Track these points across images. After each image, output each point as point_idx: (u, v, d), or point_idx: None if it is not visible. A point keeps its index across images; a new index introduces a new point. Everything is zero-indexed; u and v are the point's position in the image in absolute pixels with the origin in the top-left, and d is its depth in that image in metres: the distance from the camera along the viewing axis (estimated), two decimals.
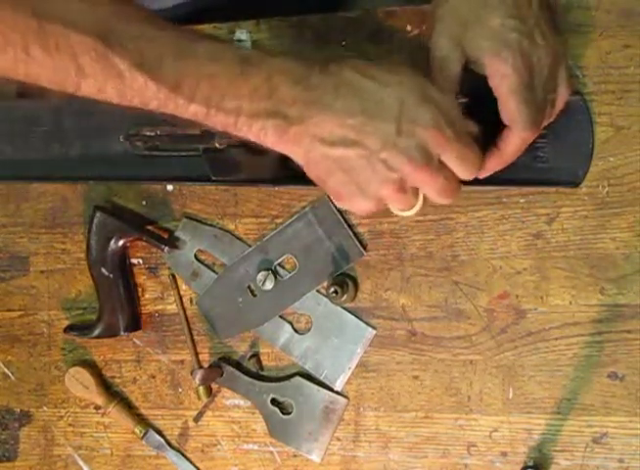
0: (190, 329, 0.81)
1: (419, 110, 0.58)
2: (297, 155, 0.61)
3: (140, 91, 0.58)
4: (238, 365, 0.81)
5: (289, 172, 0.75)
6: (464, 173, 0.61)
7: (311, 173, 0.62)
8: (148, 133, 0.78)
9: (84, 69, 0.58)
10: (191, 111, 0.59)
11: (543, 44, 0.63)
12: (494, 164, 0.66)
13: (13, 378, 0.87)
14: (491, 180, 0.72)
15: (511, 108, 0.63)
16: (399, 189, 0.60)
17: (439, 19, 0.65)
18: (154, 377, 0.83)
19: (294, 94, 0.58)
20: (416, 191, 0.62)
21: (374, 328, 0.77)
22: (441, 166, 0.60)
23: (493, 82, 0.63)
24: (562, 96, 0.66)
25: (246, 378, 0.80)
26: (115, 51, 0.57)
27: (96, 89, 0.59)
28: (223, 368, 0.80)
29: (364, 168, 0.59)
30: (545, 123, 0.66)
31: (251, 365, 0.80)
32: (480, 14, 0.63)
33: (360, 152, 0.58)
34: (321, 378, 0.79)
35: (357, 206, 0.62)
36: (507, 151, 0.65)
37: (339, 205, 0.63)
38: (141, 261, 0.83)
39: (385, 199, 0.61)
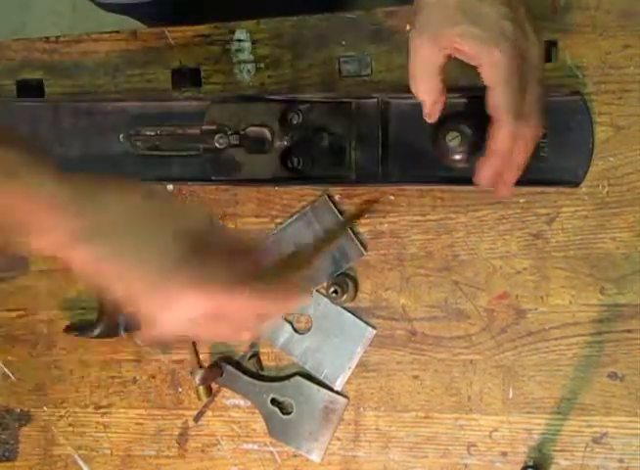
0: None
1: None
2: None
3: None
4: (238, 365, 0.81)
5: (289, 172, 0.75)
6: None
7: None
8: (148, 133, 0.78)
9: None
10: None
11: (532, 33, 0.61)
12: (490, 166, 0.64)
13: (13, 378, 0.87)
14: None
15: (498, 99, 0.61)
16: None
17: (421, 10, 0.62)
18: (154, 377, 0.83)
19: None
20: None
21: (374, 328, 0.77)
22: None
23: (484, 71, 0.61)
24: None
25: (246, 378, 0.80)
26: None
27: None
28: (223, 368, 0.80)
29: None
30: (541, 118, 0.64)
31: (251, 365, 0.80)
32: (470, 2, 0.60)
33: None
34: (321, 378, 0.79)
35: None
36: (497, 148, 0.62)
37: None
38: None
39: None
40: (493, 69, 0.60)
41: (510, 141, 0.62)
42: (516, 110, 0.61)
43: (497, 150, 0.63)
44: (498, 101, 0.61)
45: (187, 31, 0.81)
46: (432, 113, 0.66)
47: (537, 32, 0.62)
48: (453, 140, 0.68)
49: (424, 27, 0.62)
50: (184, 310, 0.54)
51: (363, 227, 0.77)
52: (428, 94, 0.64)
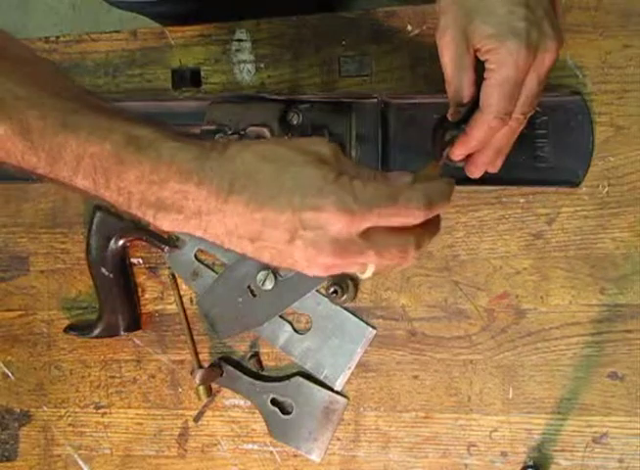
0: (190, 329, 0.81)
1: (321, 194, 0.50)
2: (209, 238, 0.55)
3: (23, 158, 0.54)
4: (238, 365, 0.81)
5: None
6: (400, 222, 0.52)
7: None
8: None
9: None
10: (79, 185, 0.54)
11: (550, 38, 0.60)
12: (460, 149, 0.63)
13: (13, 378, 0.87)
14: (491, 180, 0.72)
15: (492, 96, 0.60)
16: (332, 266, 0.52)
17: (444, 11, 0.62)
18: (154, 377, 0.83)
19: (185, 190, 0.52)
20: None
21: (374, 328, 0.77)
22: (365, 240, 0.51)
23: (489, 67, 0.60)
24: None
25: (246, 378, 0.80)
26: None
27: None
28: (223, 368, 0.80)
29: (284, 258, 0.53)
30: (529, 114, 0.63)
31: (252, 365, 0.80)
32: (485, 1, 0.60)
33: (270, 248, 0.52)
34: (321, 378, 0.79)
35: (309, 273, 0.54)
36: (473, 135, 0.62)
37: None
38: (141, 261, 0.83)
39: (326, 273, 0.53)
40: (499, 68, 0.60)
41: (488, 135, 0.62)
42: (505, 109, 0.60)
43: (473, 136, 0.62)
44: (490, 96, 0.60)
45: (187, 31, 0.81)
46: (455, 112, 0.64)
47: (555, 39, 0.60)
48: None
49: (445, 27, 0.62)
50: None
51: None
52: (465, 90, 0.63)
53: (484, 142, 0.63)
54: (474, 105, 0.62)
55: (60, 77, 0.58)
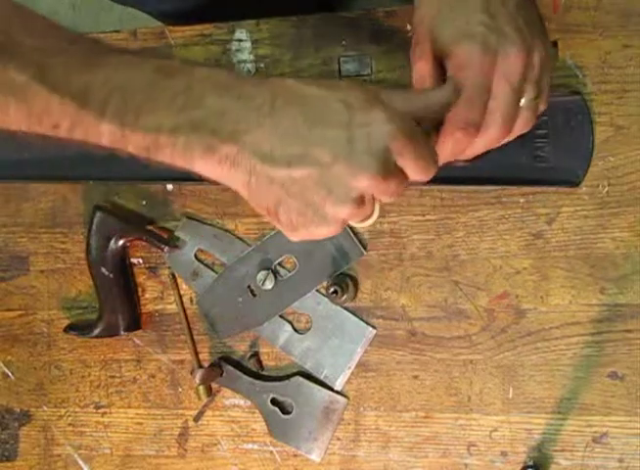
0: (190, 329, 0.81)
1: (370, 113, 0.51)
2: (235, 181, 0.52)
3: (46, 108, 0.51)
4: (238, 365, 0.81)
5: None
6: (421, 175, 0.54)
7: (258, 205, 0.53)
8: None
9: None
10: (105, 131, 0.51)
11: (514, 40, 0.56)
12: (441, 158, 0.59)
13: (13, 378, 0.87)
14: (491, 180, 0.72)
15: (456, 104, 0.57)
16: (358, 204, 0.52)
17: (414, 28, 0.61)
18: (154, 377, 0.83)
19: (222, 104, 0.50)
20: (373, 199, 0.54)
21: (374, 328, 0.77)
22: (397, 171, 0.53)
23: (447, 75, 0.58)
24: (540, 102, 0.60)
25: (246, 378, 0.80)
26: (13, 62, 0.50)
27: None
28: (223, 368, 0.80)
29: (318, 189, 0.50)
30: (517, 131, 0.60)
31: (251, 365, 0.80)
32: (447, 13, 0.58)
33: (309, 170, 0.50)
34: (321, 378, 0.79)
35: (317, 233, 0.53)
36: (440, 148, 0.58)
37: (294, 237, 0.55)
38: (141, 261, 0.83)
39: (347, 219, 0.53)
40: (457, 72, 0.58)
41: (456, 147, 0.58)
42: (466, 118, 0.57)
43: (441, 149, 0.58)
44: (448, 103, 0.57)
45: (187, 31, 0.81)
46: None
47: (517, 43, 0.57)
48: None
49: (415, 44, 0.61)
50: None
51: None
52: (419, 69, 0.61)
53: (454, 155, 0.59)
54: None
55: (72, 32, 0.55)
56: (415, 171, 0.53)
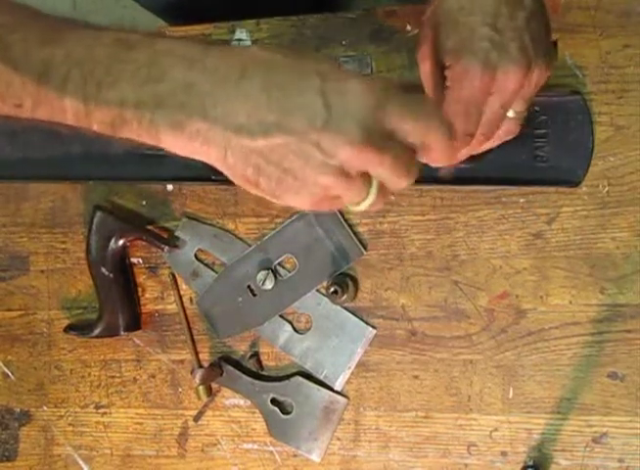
0: (190, 329, 0.81)
1: (346, 82, 0.48)
2: (209, 157, 0.50)
3: (7, 88, 0.49)
4: (238, 365, 0.81)
5: None
6: (416, 137, 0.50)
7: (238, 178, 0.50)
8: None
9: None
10: (68, 107, 0.49)
11: (516, 59, 0.56)
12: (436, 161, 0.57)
13: (13, 378, 0.87)
14: (491, 180, 0.72)
15: (447, 117, 0.55)
16: (342, 174, 0.49)
17: (423, 23, 0.61)
18: (154, 377, 0.83)
19: (187, 77, 0.47)
20: (367, 177, 0.51)
21: (374, 328, 0.77)
22: (387, 139, 0.49)
23: (447, 84, 0.58)
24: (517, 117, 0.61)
25: (246, 378, 0.80)
26: None
27: None
28: (223, 368, 0.80)
29: (295, 157, 0.48)
30: (498, 139, 0.61)
31: (251, 365, 0.80)
32: (454, 18, 0.58)
33: (286, 137, 0.48)
34: (321, 378, 0.79)
35: (300, 201, 0.51)
36: (431, 149, 0.53)
37: (280, 203, 0.52)
38: (141, 261, 0.83)
39: (329, 189, 0.50)
40: (454, 85, 0.58)
41: (445, 154, 0.56)
42: (461, 128, 0.57)
43: (433, 151, 0.55)
44: (446, 114, 0.57)
45: (187, 31, 0.81)
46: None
47: (518, 63, 0.57)
48: None
49: (421, 41, 0.61)
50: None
51: (363, 227, 0.77)
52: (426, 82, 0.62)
53: (451, 159, 0.57)
54: None
55: (34, 9, 0.53)
56: (415, 134, 0.50)
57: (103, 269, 0.80)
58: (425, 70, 0.61)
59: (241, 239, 0.81)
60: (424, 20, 0.62)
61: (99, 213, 0.80)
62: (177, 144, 0.49)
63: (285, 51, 0.49)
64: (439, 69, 0.60)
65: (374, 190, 0.52)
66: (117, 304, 0.81)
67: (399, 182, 0.51)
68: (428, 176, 0.73)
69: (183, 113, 0.47)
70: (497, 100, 0.57)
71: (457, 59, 0.57)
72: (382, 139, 0.48)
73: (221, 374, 0.80)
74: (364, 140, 0.48)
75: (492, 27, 0.56)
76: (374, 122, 0.48)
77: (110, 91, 0.48)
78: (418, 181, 0.74)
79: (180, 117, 0.48)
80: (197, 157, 0.50)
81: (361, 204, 0.53)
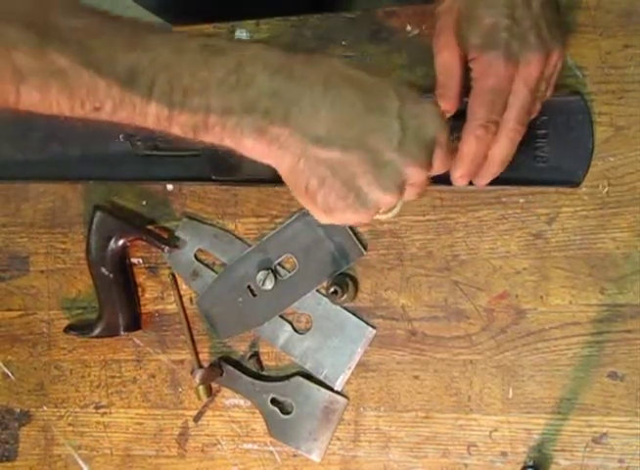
0: (190, 329, 0.81)
1: (422, 105, 0.53)
2: (281, 161, 0.51)
3: (89, 91, 0.49)
4: (238, 365, 0.81)
5: None
6: (444, 168, 0.58)
7: (297, 185, 0.52)
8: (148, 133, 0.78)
9: (21, 69, 0.48)
10: (152, 112, 0.50)
11: (536, 47, 0.60)
12: (460, 168, 0.62)
13: (13, 378, 0.87)
14: (491, 180, 0.72)
15: (474, 105, 0.60)
16: (402, 193, 0.53)
17: (441, 15, 0.64)
18: (154, 377, 0.83)
19: (274, 85, 0.49)
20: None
21: (374, 328, 0.77)
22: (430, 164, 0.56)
23: (472, 76, 0.61)
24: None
25: (246, 378, 0.80)
26: (53, 45, 0.48)
27: (39, 95, 0.49)
28: (223, 368, 0.80)
29: (366, 173, 0.51)
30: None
31: (251, 365, 0.80)
32: (474, 11, 0.61)
33: (363, 154, 0.50)
34: (321, 378, 0.79)
35: (352, 219, 0.54)
36: (462, 146, 0.61)
37: (325, 220, 0.54)
38: (141, 261, 0.83)
39: (386, 206, 0.54)
40: (480, 78, 0.61)
41: (477, 146, 0.61)
42: (487, 117, 0.60)
43: (463, 148, 0.61)
44: (473, 105, 0.61)
45: (187, 31, 0.81)
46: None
47: (538, 51, 0.60)
48: (453, 141, 0.68)
49: (440, 31, 0.64)
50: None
51: (363, 227, 0.77)
52: (451, 98, 0.65)
53: (477, 154, 0.62)
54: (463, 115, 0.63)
55: (108, 11, 0.53)
56: (444, 164, 0.56)
57: (103, 269, 0.80)
58: (442, 60, 0.64)
59: (241, 239, 0.81)
60: (438, 11, 0.64)
61: (99, 213, 0.80)
62: (256, 148, 0.51)
63: (366, 68, 0.53)
64: (457, 59, 0.63)
65: (401, 202, 0.56)
66: (117, 304, 0.81)
67: (419, 197, 0.57)
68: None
69: (268, 118, 0.49)
70: (523, 88, 0.60)
71: (480, 52, 0.60)
72: (431, 160, 0.55)
73: (221, 374, 0.80)
74: (427, 163, 0.53)
75: (510, 18, 0.59)
76: (434, 147, 0.54)
77: (196, 97, 0.49)
78: None
79: (264, 123, 0.49)
80: (267, 160, 0.52)
81: (389, 213, 0.58)
